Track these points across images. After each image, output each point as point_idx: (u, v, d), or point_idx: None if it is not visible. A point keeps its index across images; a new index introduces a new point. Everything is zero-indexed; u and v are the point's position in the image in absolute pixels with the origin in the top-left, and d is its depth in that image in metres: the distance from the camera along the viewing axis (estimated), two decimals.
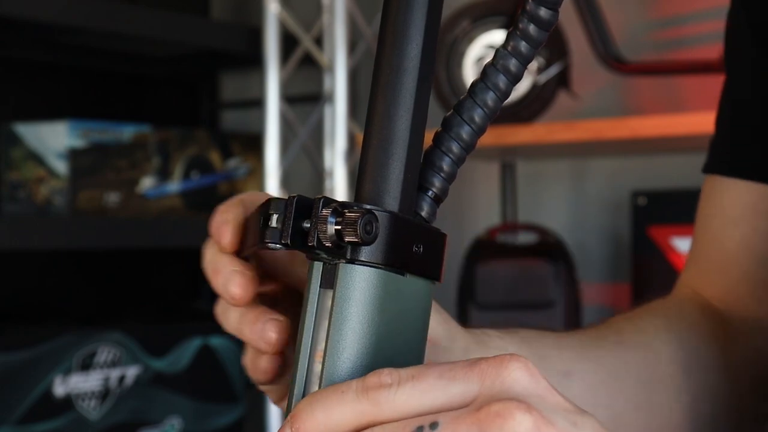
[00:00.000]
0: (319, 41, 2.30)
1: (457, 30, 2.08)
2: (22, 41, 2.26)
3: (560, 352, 0.78)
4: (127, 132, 2.20)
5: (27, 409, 1.97)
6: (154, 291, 2.59)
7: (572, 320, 2.09)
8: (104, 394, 2.08)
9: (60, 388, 2.02)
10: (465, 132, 0.56)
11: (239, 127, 2.69)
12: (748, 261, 0.87)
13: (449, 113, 0.57)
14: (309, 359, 0.55)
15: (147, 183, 2.23)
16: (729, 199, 0.88)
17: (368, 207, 0.53)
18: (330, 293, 0.54)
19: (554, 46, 2.06)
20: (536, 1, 0.55)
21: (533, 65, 2.03)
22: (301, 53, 2.30)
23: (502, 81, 0.56)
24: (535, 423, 0.49)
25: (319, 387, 0.53)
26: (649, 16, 2.29)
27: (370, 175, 0.55)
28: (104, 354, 2.08)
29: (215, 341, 2.24)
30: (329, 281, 0.55)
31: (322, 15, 2.28)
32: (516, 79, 0.56)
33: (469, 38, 2.08)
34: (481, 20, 2.08)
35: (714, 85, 0.99)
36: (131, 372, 2.12)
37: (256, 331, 0.65)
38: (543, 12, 0.56)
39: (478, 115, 0.56)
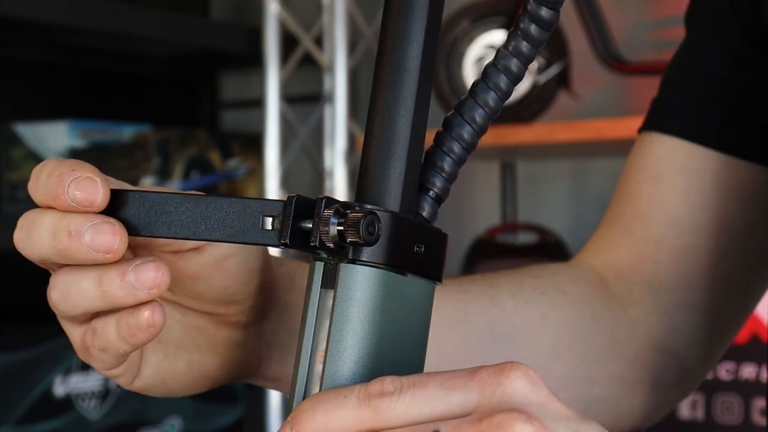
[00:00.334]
0: (319, 41, 2.30)
1: (457, 30, 2.08)
2: (22, 41, 2.26)
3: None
4: (127, 132, 2.20)
5: (27, 409, 1.97)
6: None
7: None
8: (104, 394, 2.08)
9: (60, 388, 2.02)
10: (466, 132, 0.56)
11: (239, 127, 2.69)
12: (657, 220, 0.83)
13: (450, 113, 0.57)
14: (310, 359, 0.55)
15: (147, 183, 2.23)
16: (654, 155, 0.85)
17: (370, 207, 0.53)
18: (331, 293, 0.54)
19: (554, 46, 2.06)
20: (537, 1, 0.55)
21: (533, 65, 2.03)
22: (301, 53, 2.30)
23: (503, 81, 0.56)
24: None
25: (321, 388, 0.53)
26: (649, 16, 2.29)
27: (371, 175, 0.54)
28: None
29: None
30: (330, 281, 0.54)
31: (322, 15, 2.28)
32: (517, 79, 0.56)
33: (469, 38, 2.08)
34: (481, 20, 2.08)
35: None
36: None
37: (131, 280, 0.54)
38: (544, 12, 0.56)
39: (479, 115, 0.56)
